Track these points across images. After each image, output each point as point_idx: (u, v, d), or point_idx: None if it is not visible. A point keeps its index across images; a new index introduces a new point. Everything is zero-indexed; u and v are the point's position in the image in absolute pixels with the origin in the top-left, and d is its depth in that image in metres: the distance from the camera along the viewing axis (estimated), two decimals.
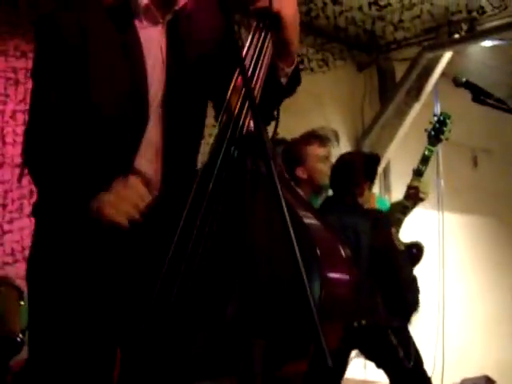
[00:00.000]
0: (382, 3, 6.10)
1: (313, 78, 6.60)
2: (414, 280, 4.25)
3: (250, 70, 1.97)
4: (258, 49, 1.99)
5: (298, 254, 1.46)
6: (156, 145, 2.14)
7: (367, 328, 4.01)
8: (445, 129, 4.45)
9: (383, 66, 7.69)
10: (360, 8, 6.21)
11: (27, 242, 5.57)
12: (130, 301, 1.90)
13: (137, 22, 2.14)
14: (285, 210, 1.52)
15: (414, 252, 4.41)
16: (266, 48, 1.99)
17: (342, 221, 4.10)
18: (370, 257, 4.09)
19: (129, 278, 1.92)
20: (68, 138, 2.04)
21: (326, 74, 6.87)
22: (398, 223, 4.35)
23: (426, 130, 4.51)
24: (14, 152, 5.30)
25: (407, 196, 4.40)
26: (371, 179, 4.55)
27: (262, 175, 1.72)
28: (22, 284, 4.45)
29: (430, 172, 4.59)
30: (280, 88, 2.12)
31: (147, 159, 2.13)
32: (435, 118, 4.50)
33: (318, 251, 1.80)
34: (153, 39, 2.16)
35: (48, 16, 2.13)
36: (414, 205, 4.42)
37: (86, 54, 2.06)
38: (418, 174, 4.40)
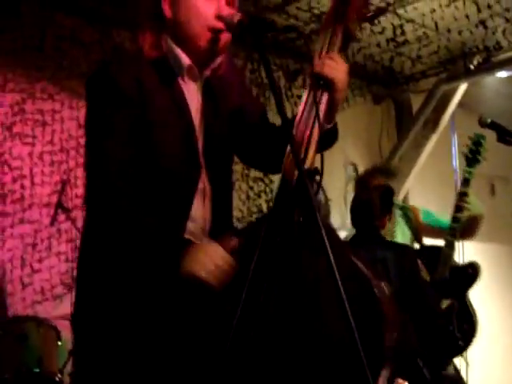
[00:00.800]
0: (399, 40, 6.18)
1: None
2: (449, 312, 4.30)
3: (307, 125, 2.13)
4: (312, 105, 2.14)
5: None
6: (204, 191, 2.28)
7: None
8: (481, 149, 4.52)
9: (400, 99, 7.77)
10: (378, 44, 6.29)
11: (56, 280, 5.68)
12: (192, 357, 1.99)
13: (179, 79, 2.28)
14: (333, 265, 1.66)
15: (470, 272, 4.48)
16: (319, 105, 2.13)
17: (371, 255, 4.17)
18: (399, 288, 4.15)
19: (193, 333, 2.02)
20: (131, 188, 2.12)
21: (345, 109, 6.96)
22: (450, 246, 4.45)
23: (462, 152, 4.61)
24: (43, 192, 5.42)
25: (455, 218, 4.46)
26: (389, 211, 4.61)
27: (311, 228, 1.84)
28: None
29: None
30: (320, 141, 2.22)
31: (199, 206, 2.26)
32: (470, 140, 4.57)
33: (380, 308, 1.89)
34: (192, 93, 2.31)
35: (103, 71, 2.24)
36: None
37: (144, 105, 2.17)
38: (462, 195, 4.47)
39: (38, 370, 4.18)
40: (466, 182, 4.51)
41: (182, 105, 2.26)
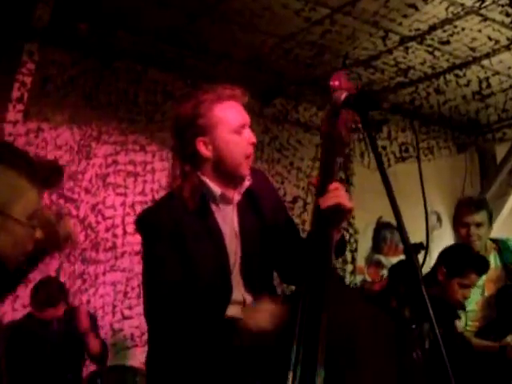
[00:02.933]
0: (485, 92, 6.18)
1: (415, 164, 6.74)
2: None
3: None
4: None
5: None
6: (240, 303, 2.52)
7: None
8: None
9: (483, 147, 7.73)
10: (464, 97, 6.31)
11: (145, 327, 5.82)
12: None
13: (213, 206, 2.58)
14: None
15: None
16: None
17: None
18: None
19: None
20: (180, 304, 2.42)
21: (431, 161, 6.99)
22: None
23: None
24: (134, 241, 5.57)
25: None
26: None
27: None
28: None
29: None
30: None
31: (236, 308, 2.51)
32: None
33: None
34: (227, 217, 2.59)
35: (148, 212, 2.66)
36: None
37: (184, 239, 2.48)
38: None
39: None
40: None
41: (215, 235, 2.54)
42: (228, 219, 2.59)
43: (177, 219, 2.50)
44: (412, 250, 2.01)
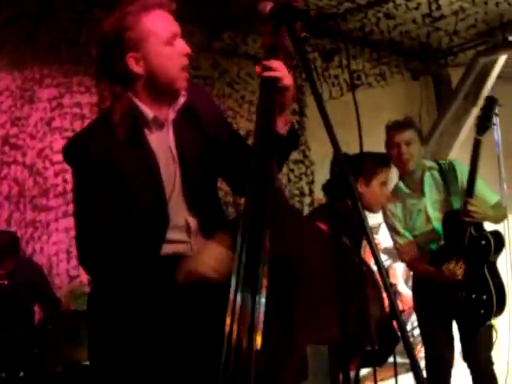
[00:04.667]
0: (435, 15, 6.08)
1: (369, 92, 6.66)
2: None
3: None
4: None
5: None
6: (182, 227, 2.42)
7: None
8: (491, 115, 4.27)
9: (438, 74, 7.68)
10: (414, 21, 6.21)
11: None
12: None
13: (147, 132, 2.40)
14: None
15: (484, 243, 4.30)
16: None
17: None
18: None
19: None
20: (114, 246, 2.29)
21: (384, 87, 6.92)
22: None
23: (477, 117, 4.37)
24: None
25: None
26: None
27: None
28: None
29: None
30: (281, 141, 2.35)
31: (177, 232, 2.42)
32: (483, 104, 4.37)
33: None
34: (162, 142, 2.43)
35: (76, 140, 2.43)
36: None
37: (116, 170, 2.32)
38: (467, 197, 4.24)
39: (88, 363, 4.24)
40: (475, 152, 4.25)
41: (149, 163, 2.38)
42: (163, 144, 2.43)
43: (108, 147, 2.32)
44: (345, 164, 1.92)
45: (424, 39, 6.72)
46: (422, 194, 4.57)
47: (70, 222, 5.43)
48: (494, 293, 4.26)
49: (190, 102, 2.46)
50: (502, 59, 7.15)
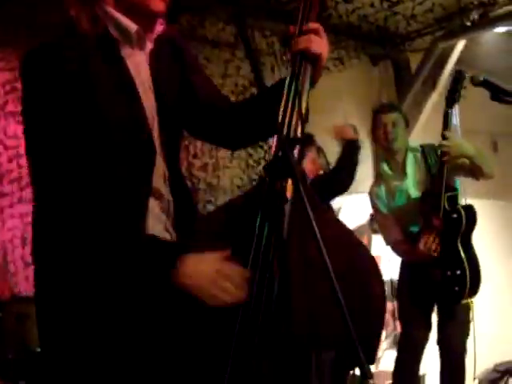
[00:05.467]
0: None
1: (330, 77, 6.63)
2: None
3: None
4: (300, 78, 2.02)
5: None
6: (163, 167, 2.12)
7: None
8: (459, 87, 4.34)
9: (397, 58, 7.67)
10: (372, 5, 6.19)
11: None
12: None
13: (125, 50, 2.06)
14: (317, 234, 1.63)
15: (454, 217, 4.37)
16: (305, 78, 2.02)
17: None
18: None
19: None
20: (87, 168, 1.93)
21: (342, 72, 6.92)
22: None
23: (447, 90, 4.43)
24: None
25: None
26: None
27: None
28: None
29: None
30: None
31: (160, 180, 2.11)
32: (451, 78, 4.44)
33: None
34: (140, 66, 2.09)
35: (45, 49, 1.94)
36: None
37: (90, 90, 1.93)
38: (443, 138, 4.35)
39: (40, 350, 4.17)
40: (445, 123, 4.38)
41: (129, 83, 2.03)
42: (141, 68, 2.08)
43: (83, 58, 1.91)
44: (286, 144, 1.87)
45: (382, 23, 6.72)
46: (404, 175, 4.65)
47: (25, 208, 5.35)
48: (467, 267, 4.31)
49: (171, 36, 2.20)
50: (461, 44, 7.17)
